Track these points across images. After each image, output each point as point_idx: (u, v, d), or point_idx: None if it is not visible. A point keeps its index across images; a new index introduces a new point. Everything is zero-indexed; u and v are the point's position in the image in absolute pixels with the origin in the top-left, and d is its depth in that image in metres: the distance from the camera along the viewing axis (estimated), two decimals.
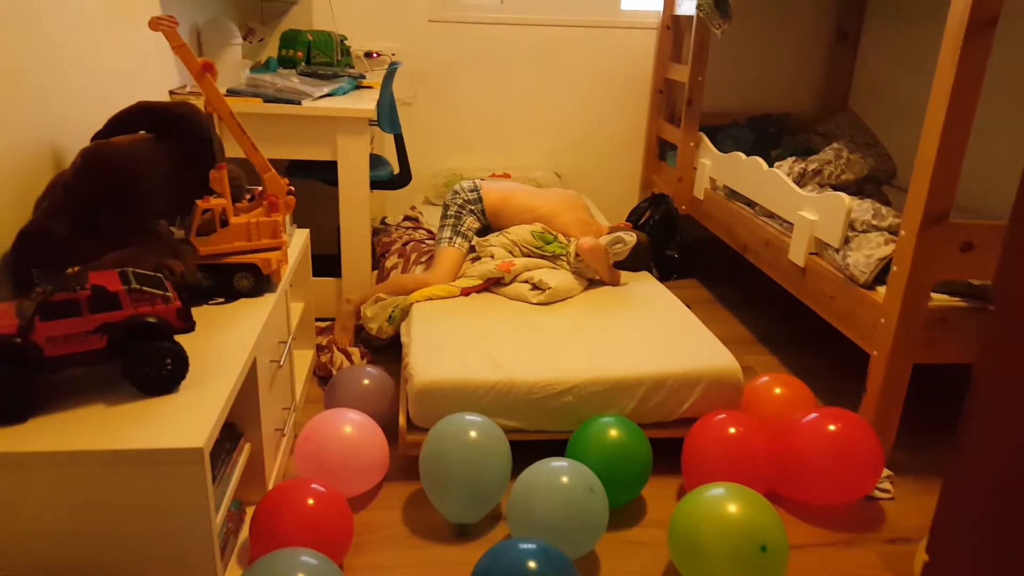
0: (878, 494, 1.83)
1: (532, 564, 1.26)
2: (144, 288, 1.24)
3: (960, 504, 0.63)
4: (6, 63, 1.42)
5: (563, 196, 2.60)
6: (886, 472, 1.86)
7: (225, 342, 1.42)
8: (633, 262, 2.47)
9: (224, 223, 1.61)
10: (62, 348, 1.18)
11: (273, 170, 1.68)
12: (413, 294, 2.22)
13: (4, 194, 1.42)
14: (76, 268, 1.40)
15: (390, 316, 2.23)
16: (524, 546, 1.29)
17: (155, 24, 1.50)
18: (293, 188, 1.73)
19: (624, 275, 2.46)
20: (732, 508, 1.41)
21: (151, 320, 1.23)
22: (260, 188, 1.75)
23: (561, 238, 2.46)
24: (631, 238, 2.40)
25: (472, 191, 2.50)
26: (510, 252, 2.41)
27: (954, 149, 1.67)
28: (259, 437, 1.56)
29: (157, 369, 1.23)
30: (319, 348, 2.34)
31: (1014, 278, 0.54)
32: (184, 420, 1.18)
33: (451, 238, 2.43)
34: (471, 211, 2.47)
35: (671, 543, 1.46)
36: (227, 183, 1.62)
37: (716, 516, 1.40)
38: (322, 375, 2.27)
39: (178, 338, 1.28)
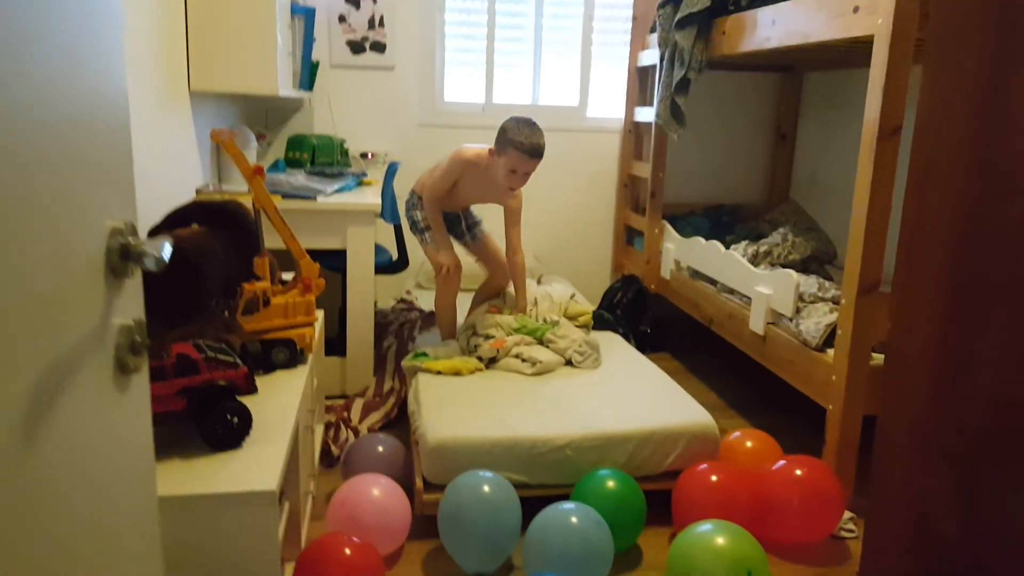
0: (843, 533, 2.06)
1: None
2: (218, 356, 1.45)
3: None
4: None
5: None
6: (849, 514, 2.10)
7: (272, 408, 1.62)
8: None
9: (266, 303, 1.83)
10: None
11: (308, 256, 1.93)
12: (437, 363, 2.43)
13: None
14: None
15: (417, 353, 2.53)
16: None
17: (216, 136, 1.77)
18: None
19: (605, 346, 2.72)
20: (721, 540, 1.63)
21: (222, 384, 1.44)
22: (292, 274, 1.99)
23: (543, 320, 2.71)
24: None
25: (410, 198, 2.80)
26: (496, 332, 2.65)
27: (878, 232, 2.01)
28: (297, 498, 1.73)
29: (227, 427, 1.43)
30: (327, 425, 2.52)
31: (900, 327, 0.80)
32: (253, 470, 1.36)
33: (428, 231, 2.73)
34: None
35: (670, 574, 1.66)
36: (268, 269, 1.86)
37: (707, 547, 1.62)
38: (324, 450, 2.42)
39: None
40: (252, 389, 1.49)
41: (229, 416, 1.43)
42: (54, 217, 0.57)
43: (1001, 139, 0.76)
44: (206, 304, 1.72)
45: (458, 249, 2.81)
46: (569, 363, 2.56)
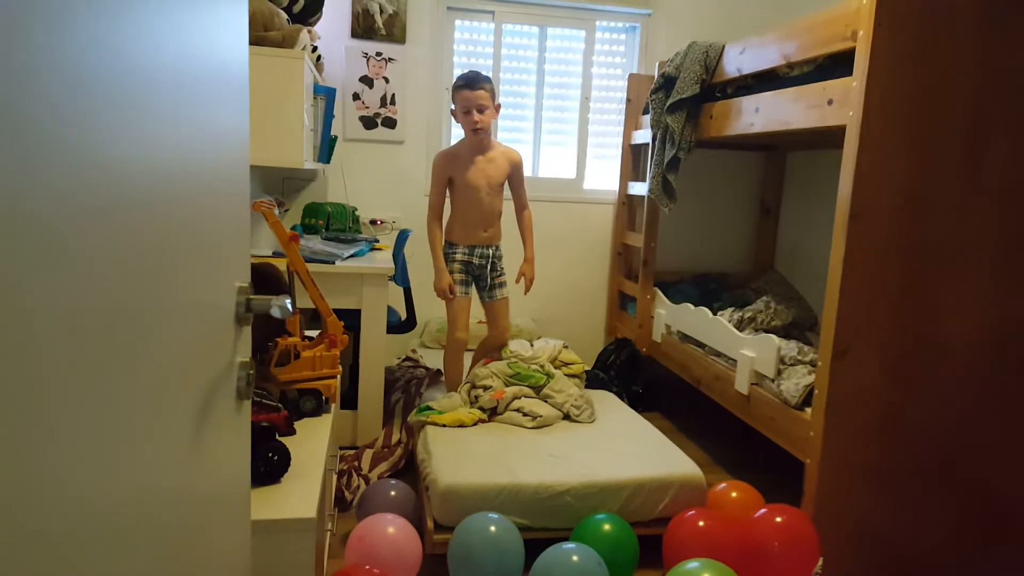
0: None
1: None
2: (262, 400, 1.64)
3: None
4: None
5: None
6: (822, 560, 2.26)
7: (304, 449, 1.79)
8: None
9: (296, 356, 2.02)
10: None
11: (334, 315, 2.13)
12: (441, 416, 2.61)
13: None
14: None
15: (421, 408, 2.71)
16: None
17: (257, 206, 2.00)
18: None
19: (600, 403, 2.92)
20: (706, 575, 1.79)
21: (265, 424, 1.62)
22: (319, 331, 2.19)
23: (538, 369, 2.91)
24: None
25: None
26: (494, 382, 2.84)
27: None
28: (322, 532, 1.89)
29: (268, 464, 1.60)
30: (340, 473, 2.67)
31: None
32: (292, 502, 1.53)
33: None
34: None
35: None
36: (299, 325, 2.06)
37: None
38: (338, 496, 2.58)
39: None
40: (291, 431, 1.66)
41: (270, 455, 1.60)
42: (212, 281, 0.78)
43: (921, 226, 1.00)
44: None
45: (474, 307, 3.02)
46: (567, 417, 2.75)
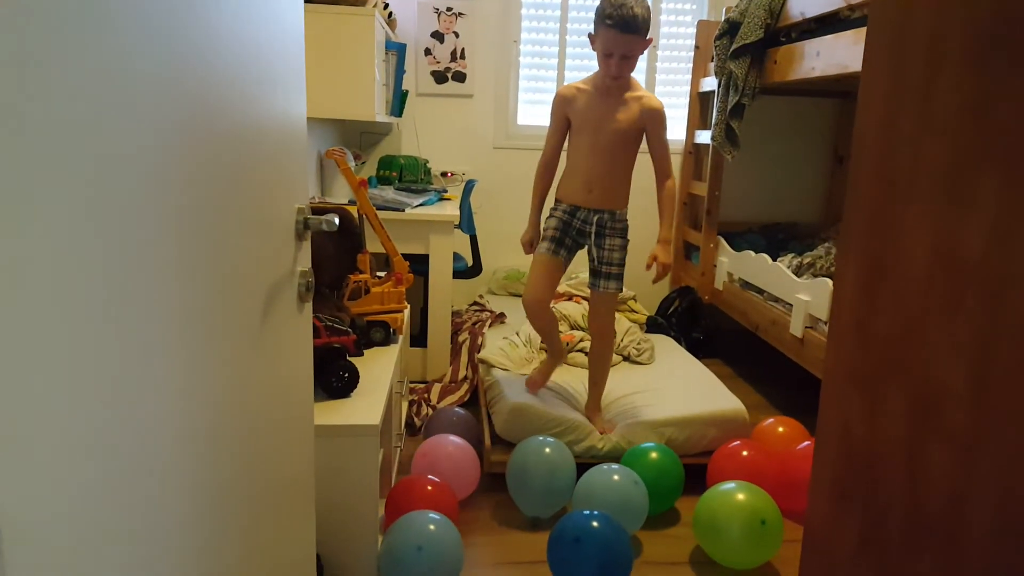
0: None
1: (595, 524, 1.77)
2: (334, 325, 1.85)
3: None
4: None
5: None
6: None
7: (373, 372, 2.00)
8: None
9: (367, 291, 2.23)
10: None
11: (400, 255, 2.32)
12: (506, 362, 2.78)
13: None
14: None
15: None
16: (588, 512, 1.80)
17: (330, 154, 2.19)
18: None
19: (658, 346, 3.03)
20: (740, 496, 1.91)
21: (337, 346, 1.84)
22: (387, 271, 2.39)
23: None
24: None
25: None
26: (561, 326, 2.98)
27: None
28: (389, 445, 2.11)
29: (340, 380, 1.82)
30: (411, 403, 2.91)
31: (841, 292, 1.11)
32: (360, 412, 1.75)
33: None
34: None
35: (696, 524, 1.95)
36: (368, 264, 2.26)
37: (728, 501, 1.90)
38: (408, 423, 2.82)
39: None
40: (359, 352, 1.88)
41: (342, 372, 1.82)
42: (274, 200, 0.96)
43: (897, 154, 1.09)
44: (319, 290, 2.13)
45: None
46: (627, 358, 2.87)
